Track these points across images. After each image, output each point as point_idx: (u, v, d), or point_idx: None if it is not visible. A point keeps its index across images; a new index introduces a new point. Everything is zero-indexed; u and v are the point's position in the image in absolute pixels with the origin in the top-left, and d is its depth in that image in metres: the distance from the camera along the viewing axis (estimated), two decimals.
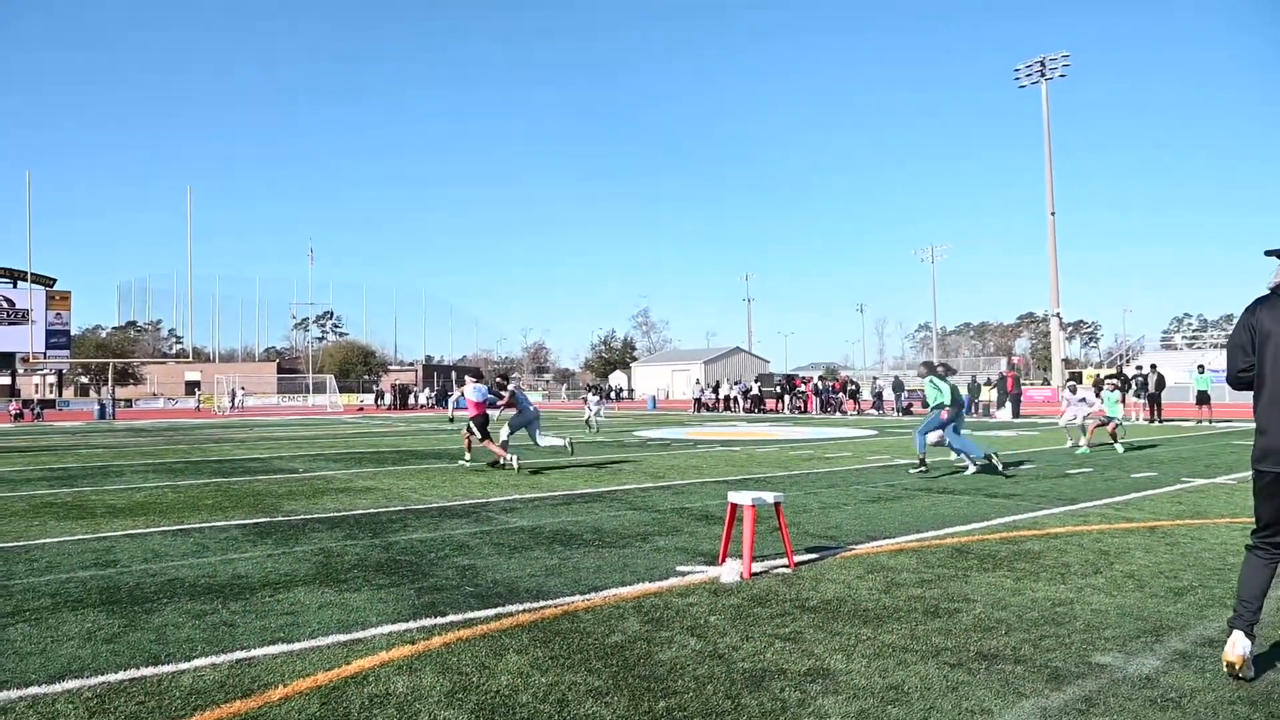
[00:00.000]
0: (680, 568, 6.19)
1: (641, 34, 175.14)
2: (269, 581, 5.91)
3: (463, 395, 14.41)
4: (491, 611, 5.06)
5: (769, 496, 6.15)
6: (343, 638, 4.58)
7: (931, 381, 12.13)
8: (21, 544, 7.48)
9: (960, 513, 8.66)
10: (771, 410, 41.59)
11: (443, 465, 14.23)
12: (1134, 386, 27.39)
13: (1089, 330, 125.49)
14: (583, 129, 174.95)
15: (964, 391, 11.98)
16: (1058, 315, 59.02)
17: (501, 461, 13.00)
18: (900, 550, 6.81)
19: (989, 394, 34.39)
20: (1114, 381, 16.51)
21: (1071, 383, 17.36)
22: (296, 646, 4.44)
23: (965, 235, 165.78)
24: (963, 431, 12.40)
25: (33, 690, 3.88)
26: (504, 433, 13.68)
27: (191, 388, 77.50)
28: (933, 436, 12.03)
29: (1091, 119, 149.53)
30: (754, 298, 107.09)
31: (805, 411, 39.47)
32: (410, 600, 5.35)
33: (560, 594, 5.49)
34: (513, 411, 13.88)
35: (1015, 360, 60.80)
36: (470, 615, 4.99)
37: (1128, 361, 51.72)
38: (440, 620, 4.88)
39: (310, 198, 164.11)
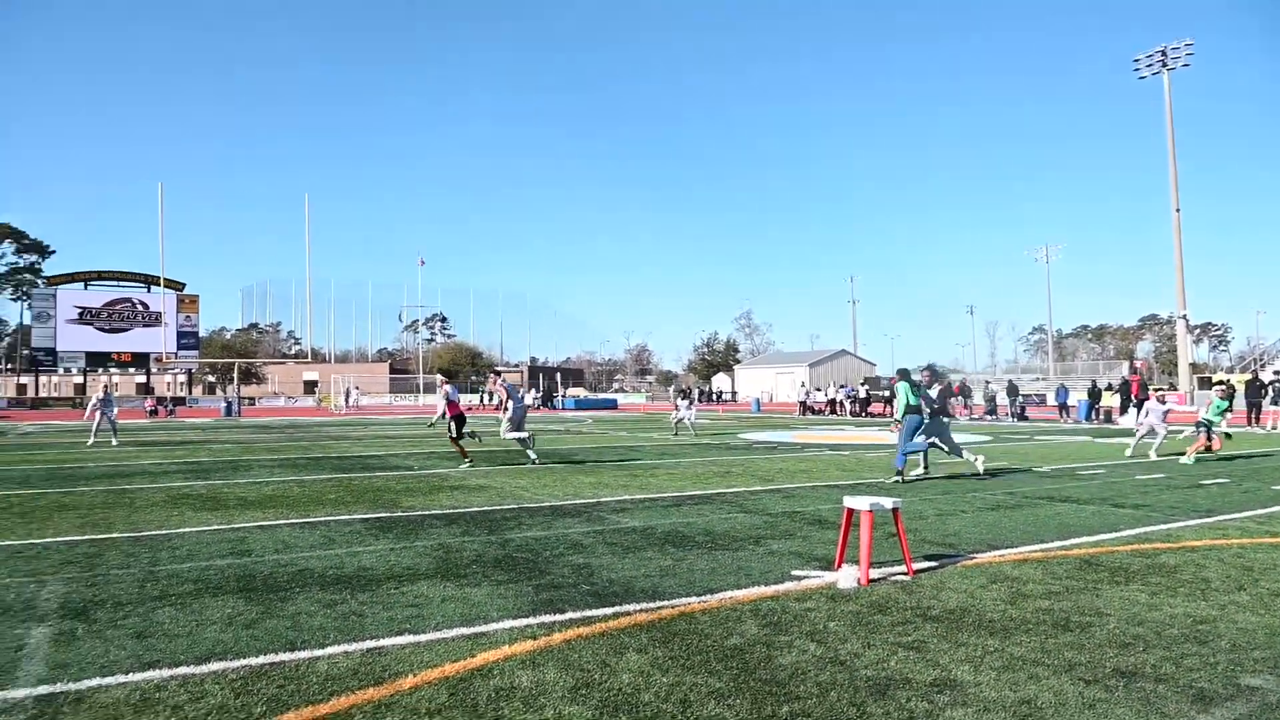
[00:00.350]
0: (795, 572, 6.13)
1: (743, 35, 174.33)
2: (393, 574, 6.10)
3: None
4: (609, 610, 5.11)
5: (887, 502, 6.03)
6: (466, 631, 4.70)
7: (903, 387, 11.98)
8: (164, 533, 7.92)
9: (1086, 523, 8.32)
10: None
11: (551, 465, 14.44)
12: (1272, 393, 25.86)
13: (1218, 333, 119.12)
14: (686, 132, 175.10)
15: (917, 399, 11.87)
16: (1184, 317, 56.08)
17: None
18: (1024, 560, 6.59)
19: (1110, 399, 32.98)
20: (1221, 389, 15.65)
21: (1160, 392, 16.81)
22: (423, 638, 4.58)
23: (1081, 234, 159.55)
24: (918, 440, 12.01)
25: (182, 670, 4.11)
26: (509, 432, 14.51)
27: (310, 387, 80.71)
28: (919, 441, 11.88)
29: (1219, 109, 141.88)
30: (859, 299, 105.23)
31: None
32: (529, 596, 5.45)
33: (676, 595, 5.50)
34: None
35: (1139, 364, 58.13)
36: (588, 613, 5.05)
37: (1263, 366, 48.85)
38: (559, 617, 4.96)
39: (420, 202, 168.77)
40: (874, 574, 5.90)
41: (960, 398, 33.86)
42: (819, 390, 47.23)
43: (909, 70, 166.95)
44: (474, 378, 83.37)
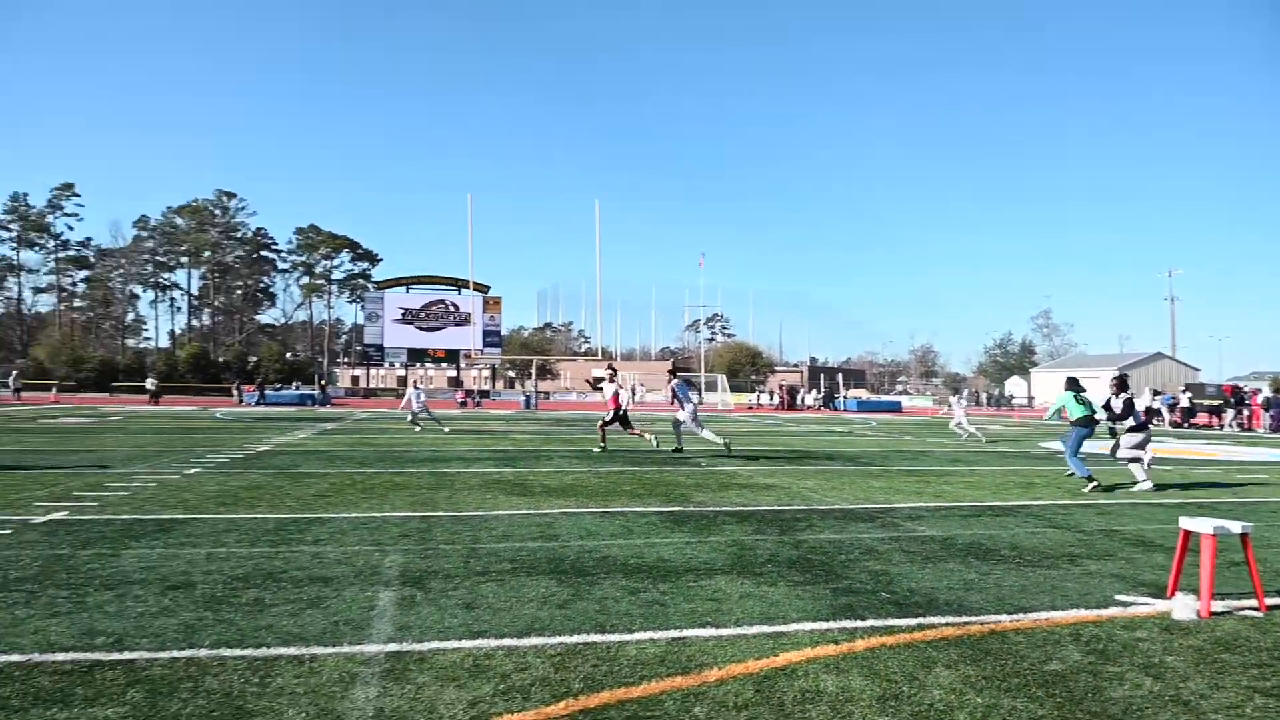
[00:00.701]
0: (1120, 597, 5.60)
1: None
2: (690, 567, 6.25)
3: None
4: (913, 621, 4.93)
5: (1234, 526, 5.35)
6: (767, 629, 4.71)
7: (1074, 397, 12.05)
8: (481, 514, 8.62)
9: None
10: (1205, 425, 36.48)
11: (839, 467, 14.21)
12: None
13: None
14: (978, 121, 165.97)
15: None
16: None
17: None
18: None
19: None
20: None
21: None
22: (724, 632, 4.64)
23: None
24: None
25: (507, 641, 4.44)
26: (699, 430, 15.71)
27: (598, 383, 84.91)
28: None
29: None
30: (1178, 296, 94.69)
31: (1250, 429, 34.09)
32: (827, 600, 5.37)
33: (984, 610, 5.20)
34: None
35: None
36: (890, 622, 4.90)
37: None
38: (860, 624, 4.85)
39: (701, 203, 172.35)
40: (1217, 606, 5.26)
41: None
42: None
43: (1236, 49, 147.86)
44: (753, 377, 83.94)
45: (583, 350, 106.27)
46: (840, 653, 4.33)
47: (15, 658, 4.06)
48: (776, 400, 61.02)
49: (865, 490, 10.99)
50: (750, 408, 54.86)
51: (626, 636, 4.55)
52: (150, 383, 46.91)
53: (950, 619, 5.00)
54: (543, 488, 10.72)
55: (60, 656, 4.09)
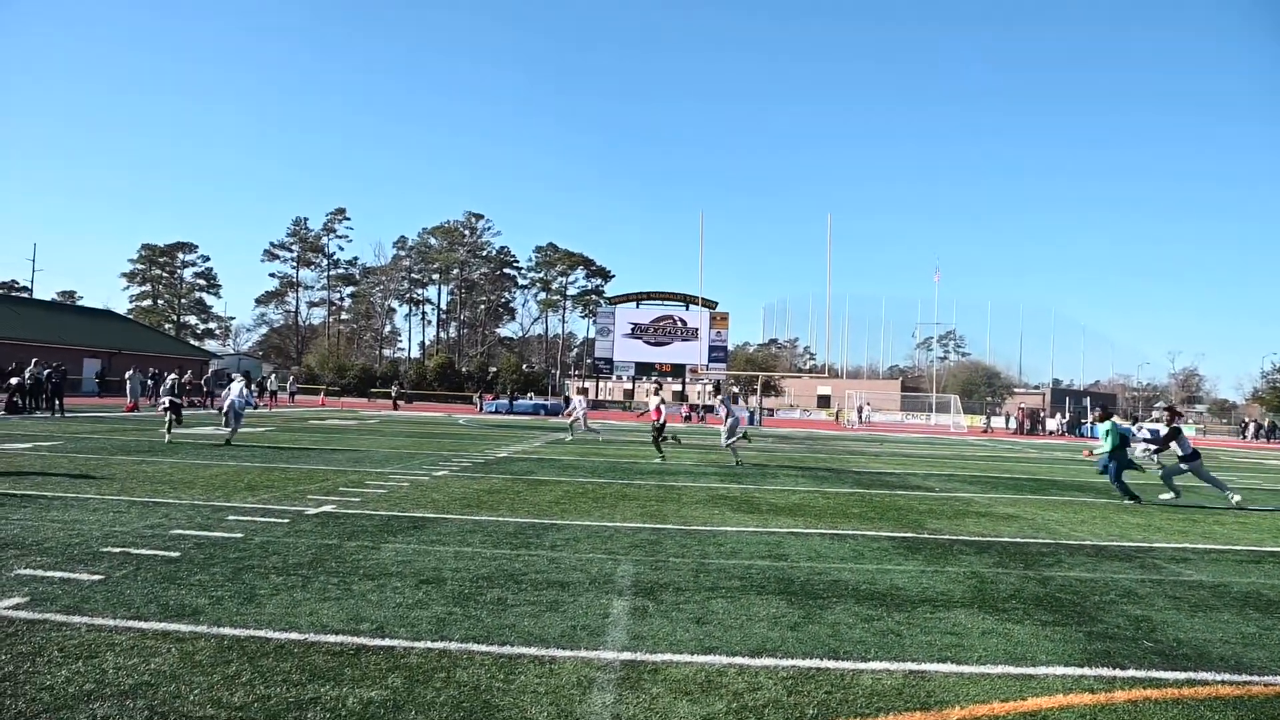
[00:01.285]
0: None
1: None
2: (927, 598, 5.99)
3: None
4: (1181, 675, 4.47)
5: None
6: (1013, 670, 4.43)
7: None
8: (708, 529, 8.67)
9: None
10: None
11: (1088, 499, 13.17)
12: None
13: None
14: (1255, 121, 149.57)
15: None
16: None
17: None
18: None
19: None
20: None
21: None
22: (966, 669, 4.41)
23: None
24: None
25: (738, 660, 4.43)
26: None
27: (823, 401, 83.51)
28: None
29: None
30: None
31: None
32: (1080, 644, 4.98)
33: (1267, 670, 4.65)
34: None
35: None
36: (1155, 674, 4.47)
37: None
38: (1120, 673, 4.46)
39: (941, 218, 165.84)
40: None
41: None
42: None
43: None
44: (989, 399, 79.63)
45: (808, 367, 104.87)
46: (1097, 702, 3.99)
47: (295, 636, 4.49)
48: (1015, 424, 57.51)
49: (1119, 526, 10.11)
50: (985, 431, 51.93)
51: (861, 665, 4.42)
52: (393, 389, 50.89)
53: (1226, 676, 4.50)
54: (770, 506, 10.64)
55: (331, 638, 4.48)
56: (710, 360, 72.78)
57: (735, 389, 20.00)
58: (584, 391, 19.82)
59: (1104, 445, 13.35)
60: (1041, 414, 59.40)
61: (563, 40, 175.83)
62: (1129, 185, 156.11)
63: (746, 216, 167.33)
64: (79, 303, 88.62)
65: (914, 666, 4.42)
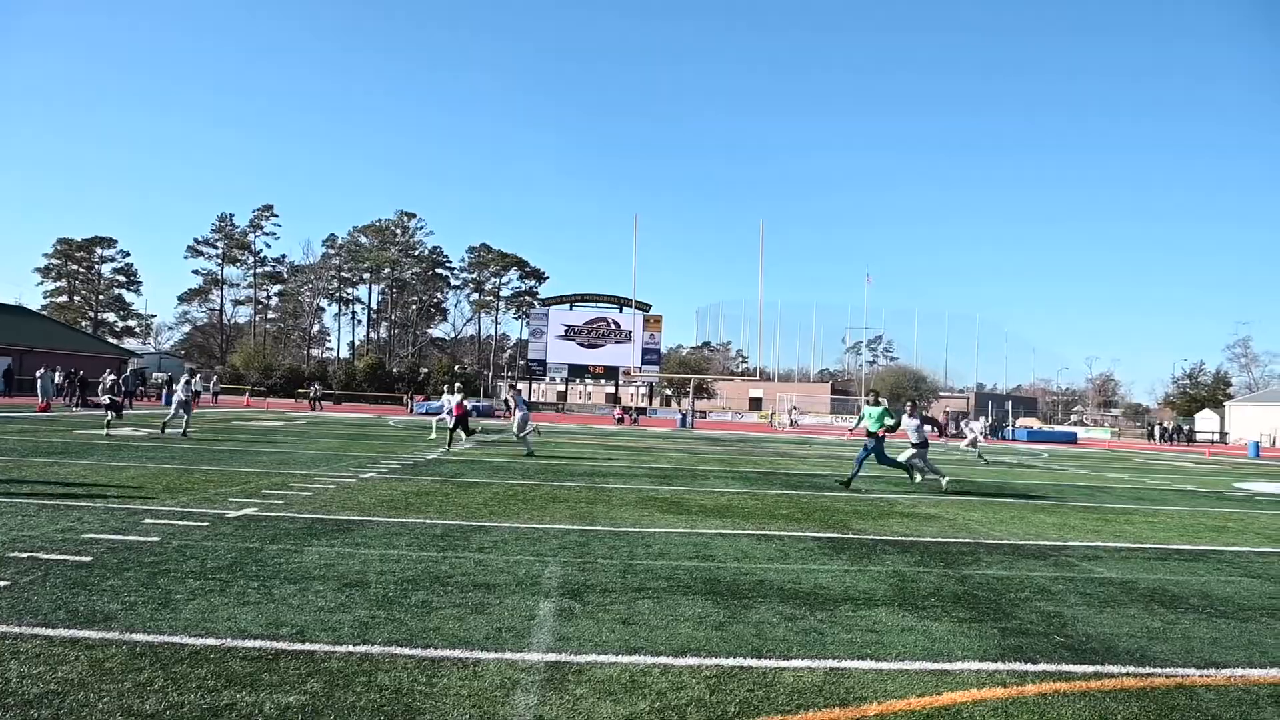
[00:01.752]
0: None
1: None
2: (849, 596, 6.10)
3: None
4: (1089, 668, 4.64)
5: None
6: (930, 665, 4.54)
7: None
8: (638, 530, 8.70)
9: None
10: None
11: (1007, 500, 13.55)
12: None
13: None
14: (1184, 131, 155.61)
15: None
16: None
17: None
18: None
19: None
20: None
21: None
22: (884, 666, 4.50)
23: None
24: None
25: (663, 659, 4.45)
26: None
27: (755, 403, 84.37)
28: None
29: None
30: None
31: None
32: (994, 639, 5.13)
33: (1169, 662, 4.84)
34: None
35: None
36: (1064, 668, 4.63)
37: None
38: (1031, 667, 4.60)
39: (869, 226, 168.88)
40: None
41: (932, 427, 31.46)
42: None
43: None
44: (916, 403, 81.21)
45: (740, 370, 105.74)
46: (1009, 696, 4.12)
47: (211, 641, 4.39)
48: (938, 429, 58.76)
49: (1036, 526, 10.43)
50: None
51: (783, 663, 4.48)
52: (312, 389, 49.92)
53: (1131, 669, 4.68)
54: (699, 507, 10.72)
55: (249, 644, 4.39)
56: (644, 362, 73.00)
57: (519, 387, 21.62)
58: (515, 389, 20.13)
59: (872, 427, 14.24)
60: (964, 417, 60.74)
61: (501, 39, 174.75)
62: (1052, 192, 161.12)
63: (681, 221, 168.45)
64: None
65: (834, 664, 4.50)
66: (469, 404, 19.90)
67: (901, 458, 14.98)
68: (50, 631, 4.44)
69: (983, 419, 27.92)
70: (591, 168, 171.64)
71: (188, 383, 20.47)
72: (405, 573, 6.19)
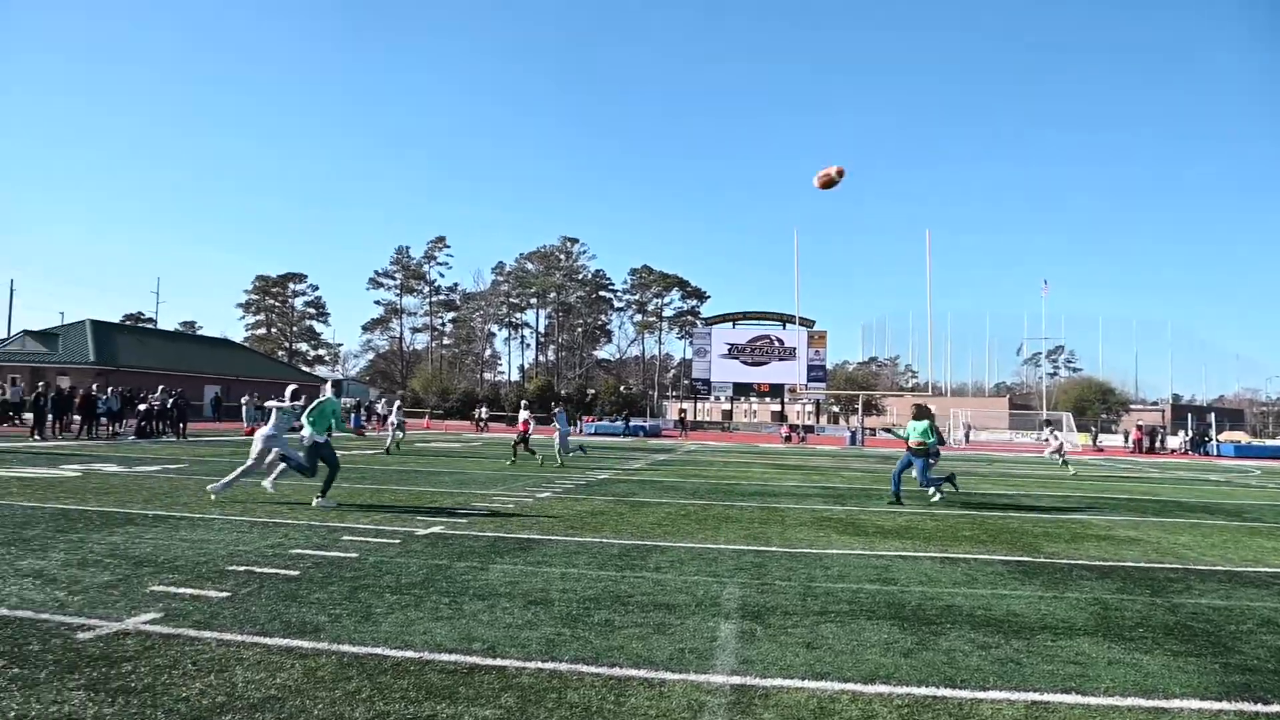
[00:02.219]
0: None
1: None
2: (1046, 625, 5.76)
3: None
4: None
5: None
6: (1144, 702, 4.22)
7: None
8: (815, 551, 8.54)
9: None
10: None
11: (1218, 521, 12.48)
12: None
13: None
14: None
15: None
16: None
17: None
18: None
19: None
20: None
21: None
22: (1093, 701, 4.22)
23: None
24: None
25: (851, 686, 4.33)
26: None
27: None
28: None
29: None
30: None
31: None
32: (1216, 675, 4.71)
33: None
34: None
35: None
36: None
37: None
38: (1262, 708, 4.20)
39: (1043, 231, 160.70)
40: None
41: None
42: None
43: None
44: (1104, 416, 76.41)
45: (910, 386, 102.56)
46: None
47: (410, 654, 4.59)
48: (1132, 442, 55.02)
49: (1254, 551, 9.55)
50: (1100, 449, 49.79)
51: (980, 694, 4.27)
52: (481, 412, 51.60)
53: None
54: (876, 528, 10.42)
55: (445, 657, 4.57)
56: (809, 379, 71.91)
57: (559, 407, 20.73)
58: (557, 407, 20.61)
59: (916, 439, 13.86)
60: (1161, 431, 56.64)
61: (656, 67, 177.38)
62: (1253, 189, 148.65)
63: (842, 234, 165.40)
64: (199, 332, 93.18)
65: (1036, 697, 4.25)
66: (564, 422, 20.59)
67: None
68: (268, 640, 4.77)
69: (1062, 427, 26.05)
70: (750, 179, 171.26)
71: (400, 407, 25.20)
72: (586, 591, 6.30)
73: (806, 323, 71.82)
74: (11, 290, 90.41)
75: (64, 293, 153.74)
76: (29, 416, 27.90)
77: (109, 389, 31.17)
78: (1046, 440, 24.27)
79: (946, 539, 9.65)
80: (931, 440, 13.95)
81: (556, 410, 20.92)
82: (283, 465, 11.54)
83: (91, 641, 4.67)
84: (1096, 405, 79.32)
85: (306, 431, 11.06)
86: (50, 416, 26.59)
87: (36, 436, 25.50)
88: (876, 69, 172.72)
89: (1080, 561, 8.41)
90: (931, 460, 14.02)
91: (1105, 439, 59.89)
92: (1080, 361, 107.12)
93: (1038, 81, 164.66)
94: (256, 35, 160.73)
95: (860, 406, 62.02)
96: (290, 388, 12.05)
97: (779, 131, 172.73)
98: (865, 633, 5.39)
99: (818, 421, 79.12)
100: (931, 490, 14.19)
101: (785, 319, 70.95)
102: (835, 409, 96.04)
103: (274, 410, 11.62)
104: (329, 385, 11.67)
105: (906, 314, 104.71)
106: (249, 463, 11.45)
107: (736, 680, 4.36)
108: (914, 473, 14.03)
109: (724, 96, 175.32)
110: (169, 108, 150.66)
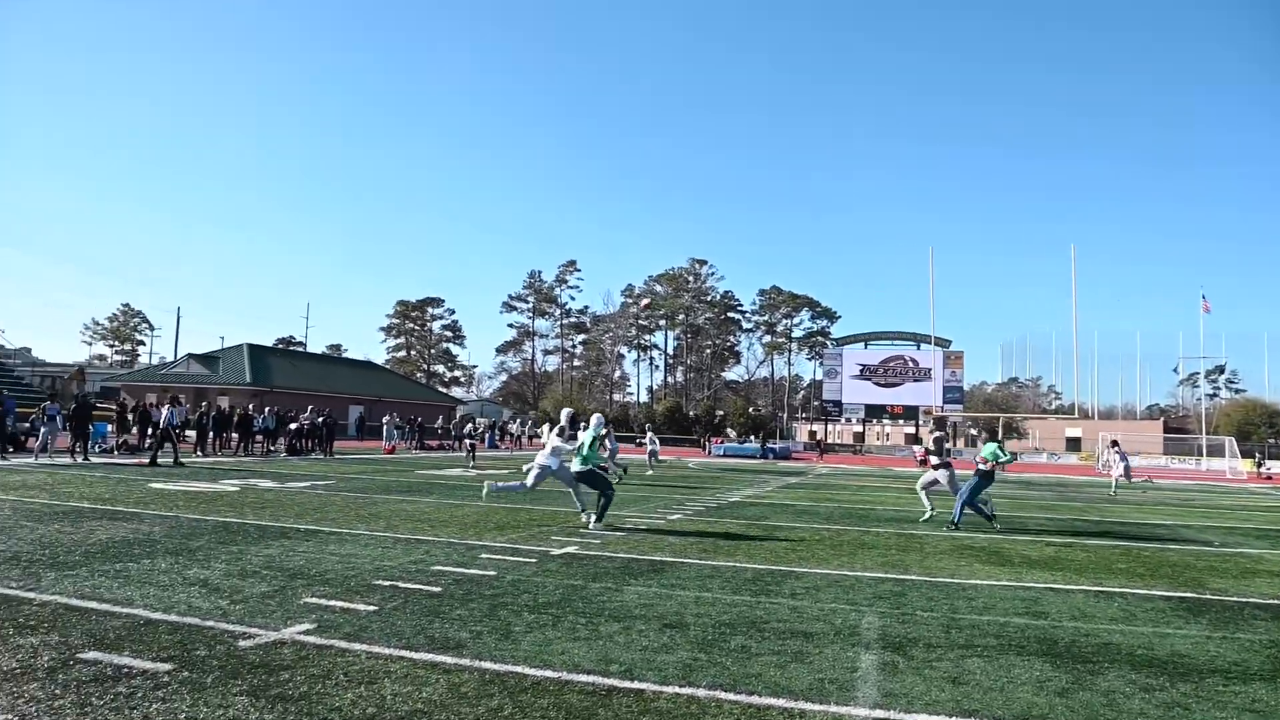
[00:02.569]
0: None
1: None
2: (1216, 668, 5.36)
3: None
4: None
5: None
6: None
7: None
8: (957, 581, 8.23)
9: None
10: None
11: None
12: None
13: None
14: None
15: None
16: None
17: None
18: None
19: None
20: None
21: None
22: None
23: None
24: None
25: None
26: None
27: (1072, 443, 77.72)
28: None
29: None
30: None
31: None
32: None
33: None
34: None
35: None
36: None
37: None
38: None
39: (1201, 240, 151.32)
40: None
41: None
42: None
43: None
44: (1271, 441, 71.03)
45: (1053, 407, 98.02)
46: None
47: (549, 673, 4.65)
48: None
49: None
50: (1269, 478, 46.24)
51: None
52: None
53: None
54: (1022, 558, 9.97)
55: (583, 678, 4.60)
56: (945, 401, 69.88)
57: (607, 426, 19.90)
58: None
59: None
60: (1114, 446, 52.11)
61: (780, 84, 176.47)
62: None
63: (980, 250, 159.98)
64: (345, 355, 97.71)
65: None
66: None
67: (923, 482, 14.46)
68: (413, 654, 4.91)
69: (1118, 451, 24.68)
70: (881, 194, 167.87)
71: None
72: (721, 616, 6.25)
73: (942, 342, 69.77)
74: (178, 317, 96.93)
75: (222, 319, 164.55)
76: (191, 434, 29.85)
77: (265, 409, 33.05)
78: (1107, 464, 22.63)
79: (1099, 571, 9.14)
80: (1006, 457, 13.57)
81: (607, 431, 20.67)
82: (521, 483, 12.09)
83: (252, 649, 4.92)
84: (1262, 429, 73.90)
85: (576, 464, 11.59)
86: (211, 434, 28.37)
87: (199, 453, 27.25)
88: (1007, 94, 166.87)
89: (1252, 600, 7.81)
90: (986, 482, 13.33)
91: (1273, 465, 55.60)
92: (1244, 382, 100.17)
93: (1185, 84, 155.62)
94: (405, 57, 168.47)
95: (1000, 429, 59.68)
96: (565, 411, 12.54)
97: (910, 149, 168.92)
98: (1015, 669, 5.14)
99: (955, 445, 76.51)
100: (959, 514, 13.14)
101: (920, 339, 69.19)
102: (973, 432, 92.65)
103: (551, 444, 11.99)
104: (597, 417, 12.27)
105: (1049, 332, 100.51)
106: (529, 481, 11.98)
107: (880, 715, 4.22)
108: (962, 487, 13.37)
109: (848, 116, 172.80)
110: (322, 161, 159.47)
